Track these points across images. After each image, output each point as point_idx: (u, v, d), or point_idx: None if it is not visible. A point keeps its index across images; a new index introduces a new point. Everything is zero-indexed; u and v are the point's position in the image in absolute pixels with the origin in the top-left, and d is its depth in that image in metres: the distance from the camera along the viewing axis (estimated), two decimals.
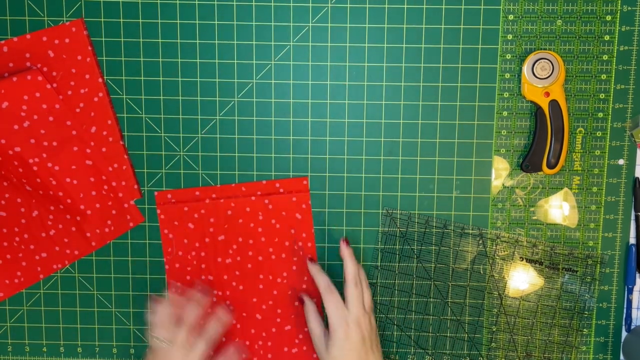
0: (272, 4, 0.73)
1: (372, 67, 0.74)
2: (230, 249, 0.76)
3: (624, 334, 0.77)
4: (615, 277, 0.76)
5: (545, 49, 0.72)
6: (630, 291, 0.76)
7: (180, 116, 0.75)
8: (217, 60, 0.74)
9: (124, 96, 0.75)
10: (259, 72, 0.74)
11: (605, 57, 0.73)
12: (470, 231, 0.76)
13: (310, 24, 0.73)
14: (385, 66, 0.74)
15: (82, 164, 0.72)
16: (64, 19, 0.73)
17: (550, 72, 0.71)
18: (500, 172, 0.75)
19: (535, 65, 0.71)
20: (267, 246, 0.75)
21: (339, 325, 0.67)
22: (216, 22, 0.73)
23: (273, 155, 0.75)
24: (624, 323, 0.77)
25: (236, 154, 0.75)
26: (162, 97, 0.75)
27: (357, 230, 0.76)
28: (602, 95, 0.74)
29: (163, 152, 0.75)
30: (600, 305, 0.77)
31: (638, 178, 0.74)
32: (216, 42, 0.74)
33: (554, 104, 0.71)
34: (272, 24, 0.73)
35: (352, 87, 0.74)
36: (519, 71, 0.73)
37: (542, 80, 0.71)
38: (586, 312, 0.77)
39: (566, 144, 0.72)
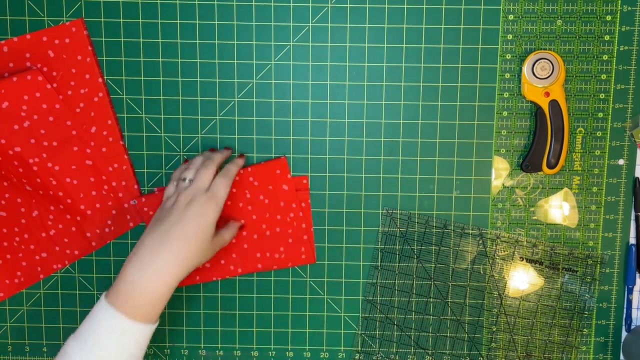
0: (272, 4, 0.73)
1: (372, 67, 0.74)
2: None
3: (624, 334, 0.77)
4: (615, 277, 0.76)
5: (545, 49, 0.72)
6: (630, 291, 0.76)
7: (180, 116, 0.75)
8: (217, 60, 0.74)
9: (124, 96, 0.75)
10: (259, 72, 0.74)
11: (605, 57, 0.73)
12: (470, 231, 0.76)
13: (310, 24, 0.73)
14: (385, 66, 0.74)
15: (82, 164, 0.72)
16: (64, 18, 0.73)
17: (550, 72, 0.71)
18: (500, 172, 0.75)
19: (535, 65, 0.71)
20: (260, 223, 0.75)
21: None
22: (216, 22, 0.73)
23: (273, 155, 0.75)
24: (624, 323, 0.77)
25: (236, 155, 0.75)
26: (162, 97, 0.75)
27: (357, 230, 0.76)
28: (602, 95, 0.74)
29: (163, 152, 0.75)
30: (600, 305, 0.77)
31: (638, 178, 0.74)
32: (216, 42, 0.74)
33: (554, 104, 0.71)
34: (272, 24, 0.73)
35: (352, 87, 0.74)
36: (519, 71, 0.73)
37: (542, 80, 0.71)
38: (586, 312, 0.77)
39: (566, 144, 0.72)
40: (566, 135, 0.72)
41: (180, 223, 0.63)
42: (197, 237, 0.63)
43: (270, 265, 0.76)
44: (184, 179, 0.67)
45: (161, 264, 0.61)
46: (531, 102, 0.73)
